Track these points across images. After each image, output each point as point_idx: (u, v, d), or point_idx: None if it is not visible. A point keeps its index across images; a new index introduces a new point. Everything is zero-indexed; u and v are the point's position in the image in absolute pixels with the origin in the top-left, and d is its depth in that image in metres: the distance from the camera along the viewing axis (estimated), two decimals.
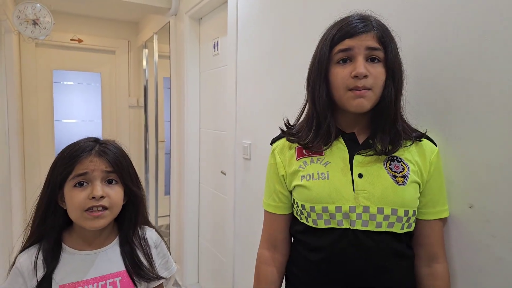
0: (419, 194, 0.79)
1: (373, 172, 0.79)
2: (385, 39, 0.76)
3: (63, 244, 0.83)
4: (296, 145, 0.87)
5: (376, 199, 0.76)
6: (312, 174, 0.82)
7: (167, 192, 3.38)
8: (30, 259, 0.79)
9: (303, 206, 0.82)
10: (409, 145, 0.80)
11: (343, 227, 0.78)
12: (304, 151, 0.86)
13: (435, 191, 0.81)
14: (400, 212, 0.76)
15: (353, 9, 0.85)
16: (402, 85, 0.80)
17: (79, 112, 3.88)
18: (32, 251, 0.80)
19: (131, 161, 0.90)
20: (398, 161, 0.79)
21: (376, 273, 0.76)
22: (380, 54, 0.76)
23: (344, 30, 0.76)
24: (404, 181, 0.77)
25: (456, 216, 0.82)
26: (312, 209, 0.80)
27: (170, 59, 2.80)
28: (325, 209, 0.79)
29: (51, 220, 0.81)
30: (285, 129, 0.93)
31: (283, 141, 0.92)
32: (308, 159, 0.84)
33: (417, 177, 0.78)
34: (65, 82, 3.79)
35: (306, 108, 0.88)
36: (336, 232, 0.78)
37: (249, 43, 1.73)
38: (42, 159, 3.50)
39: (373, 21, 0.78)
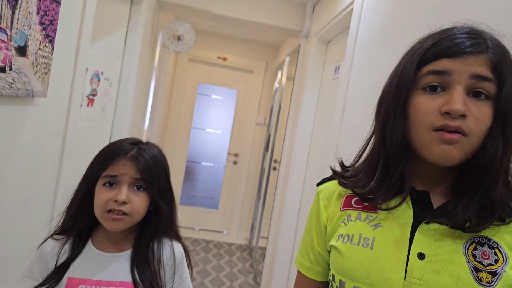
0: None
1: (443, 255, 0.53)
2: (503, 67, 0.52)
3: (89, 239, 0.85)
4: (348, 192, 0.66)
5: None
6: (353, 235, 0.60)
7: None
8: (57, 247, 0.82)
9: (333, 276, 0.61)
10: (509, 223, 0.53)
11: None
12: (353, 201, 0.64)
13: None
14: None
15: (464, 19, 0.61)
16: None
17: (213, 122, 4.23)
18: (61, 240, 0.83)
19: (165, 172, 0.87)
20: (491, 247, 0.52)
21: None
22: (490, 88, 0.52)
23: (443, 45, 0.54)
24: (492, 280, 0.49)
25: None
26: (342, 284, 0.58)
27: (294, 81, 2.76)
28: None
29: (85, 213, 0.83)
30: (338, 169, 0.71)
31: (332, 184, 0.70)
32: (354, 213, 0.62)
33: None
34: (207, 95, 4.21)
35: (370, 145, 0.66)
36: None
37: (363, 69, 1.53)
38: (176, 160, 3.93)
39: (489, 39, 0.54)
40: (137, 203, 0.80)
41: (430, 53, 0.55)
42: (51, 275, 0.79)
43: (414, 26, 1.15)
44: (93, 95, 2.00)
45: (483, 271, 0.51)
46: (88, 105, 1.93)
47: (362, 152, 0.69)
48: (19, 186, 1.14)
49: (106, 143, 2.15)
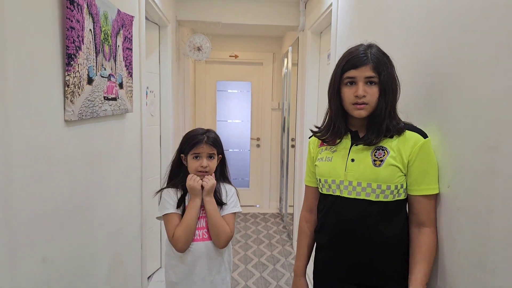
0: (399, 174, 1.04)
1: (362, 158, 1.09)
2: (379, 68, 1.03)
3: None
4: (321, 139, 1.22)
5: (357, 175, 1.07)
6: (323, 157, 1.18)
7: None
8: (174, 189, 1.41)
9: (318, 179, 1.21)
10: (391, 136, 1.06)
11: (336, 194, 1.12)
12: (324, 142, 1.20)
13: (417, 173, 1.04)
14: (374, 186, 1.05)
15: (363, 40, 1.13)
16: (394, 98, 1.07)
17: (234, 113, 4.81)
18: (173, 188, 1.41)
19: (221, 142, 1.47)
20: (383, 149, 1.06)
21: (356, 225, 1.08)
22: (375, 79, 1.04)
23: (350, 63, 1.05)
24: (380, 163, 1.05)
25: (442, 194, 1.03)
26: (320, 180, 1.18)
27: (297, 68, 3.29)
28: (326, 181, 1.15)
29: (181, 170, 1.44)
30: (314, 129, 1.26)
31: (314, 138, 1.27)
32: (324, 147, 1.20)
33: (395, 161, 1.04)
34: (226, 90, 4.78)
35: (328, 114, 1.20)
36: (332, 197, 1.14)
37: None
38: None
39: (373, 53, 1.04)
40: (212, 164, 1.40)
41: (345, 68, 1.06)
42: (181, 200, 1.36)
43: (371, 25, 1.66)
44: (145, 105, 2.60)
45: (377, 160, 1.05)
46: None
47: (325, 119, 1.20)
48: (126, 170, 1.75)
49: (158, 141, 2.77)
